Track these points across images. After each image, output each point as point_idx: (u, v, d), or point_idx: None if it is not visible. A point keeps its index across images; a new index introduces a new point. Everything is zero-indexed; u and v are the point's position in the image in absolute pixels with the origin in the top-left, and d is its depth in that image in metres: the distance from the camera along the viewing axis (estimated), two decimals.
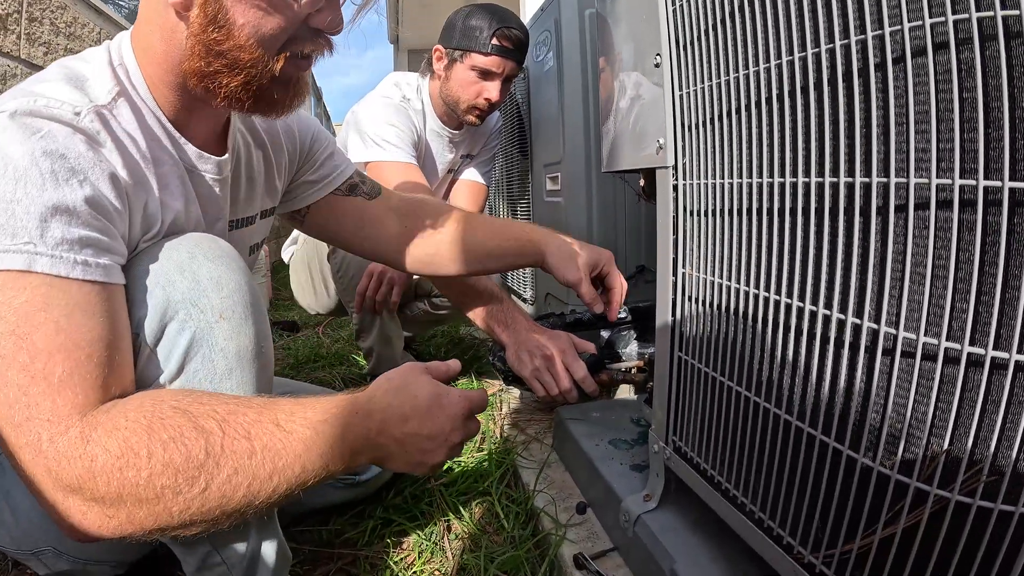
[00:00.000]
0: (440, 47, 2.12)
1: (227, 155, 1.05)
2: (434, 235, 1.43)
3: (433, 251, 1.43)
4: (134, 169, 0.86)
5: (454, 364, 1.02)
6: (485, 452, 1.66)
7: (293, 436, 0.79)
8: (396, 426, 0.88)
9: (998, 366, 0.56)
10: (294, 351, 2.82)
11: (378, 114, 2.07)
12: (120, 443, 0.71)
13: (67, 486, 0.70)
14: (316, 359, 2.70)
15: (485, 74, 2.05)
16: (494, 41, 2.00)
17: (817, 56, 0.69)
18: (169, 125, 0.94)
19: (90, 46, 2.36)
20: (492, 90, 2.06)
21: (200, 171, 1.00)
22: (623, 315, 1.72)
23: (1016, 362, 0.54)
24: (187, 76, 0.89)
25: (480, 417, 1.81)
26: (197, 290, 0.85)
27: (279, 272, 4.91)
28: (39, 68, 2.05)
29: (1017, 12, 0.52)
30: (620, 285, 1.46)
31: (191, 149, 0.98)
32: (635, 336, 1.71)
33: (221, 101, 0.91)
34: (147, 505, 0.72)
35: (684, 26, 0.94)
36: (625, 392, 1.79)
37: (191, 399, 0.78)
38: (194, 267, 0.86)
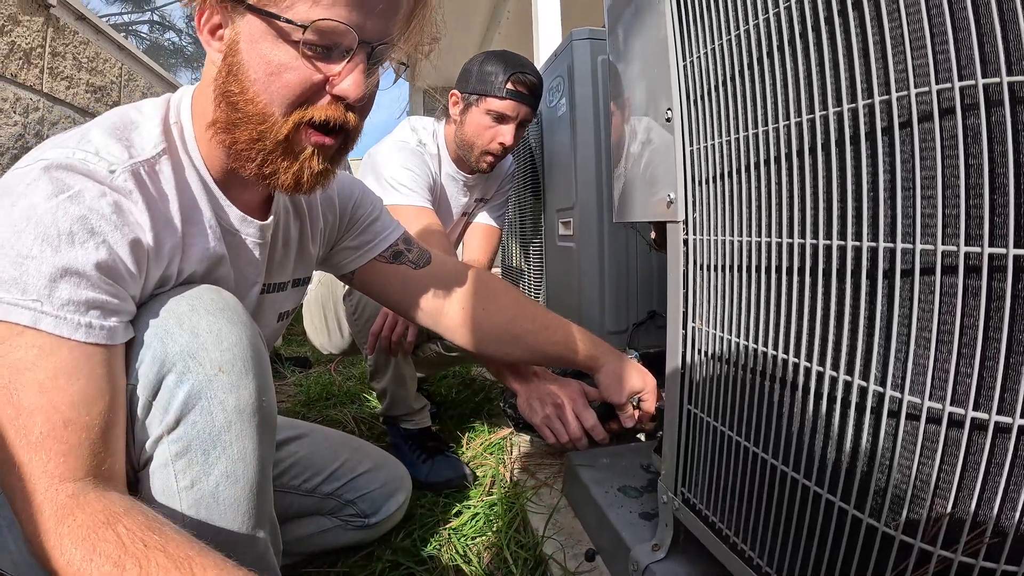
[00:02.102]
0: (456, 92, 2.16)
1: (271, 219, 1.07)
2: (480, 319, 1.41)
3: (478, 337, 1.41)
4: (161, 230, 0.87)
5: None
6: (495, 496, 1.66)
7: None
8: None
9: (1001, 430, 0.57)
10: (306, 388, 2.83)
11: (394, 158, 2.10)
12: (85, 552, 0.70)
13: (44, 530, 0.71)
14: (328, 397, 2.71)
15: (500, 118, 2.08)
16: (509, 86, 2.03)
17: (825, 118, 0.71)
18: (213, 185, 0.96)
19: (112, 81, 2.43)
20: (506, 134, 2.09)
21: (242, 234, 1.02)
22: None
23: (1019, 426, 0.55)
24: (216, 130, 0.91)
25: (490, 460, 1.82)
26: (196, 343, 0.85)
27: None
28: (61, 102, 2.10)
29: (1023, 78, 0.53)
30: (649, 411, 1.47)
31: (234, 212, 1.00)
32: None
33: (236, 160, 0.92)
34: None
35: (695, 81, 0.96)
36: (636, 436, 1.79)
37: (160, 538, 0.74)
38: (194, 320, 0.86)
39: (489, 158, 2.14)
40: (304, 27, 0.83)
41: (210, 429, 0.85)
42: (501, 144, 2.10)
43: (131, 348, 0.84)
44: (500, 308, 1.41)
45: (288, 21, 0.83)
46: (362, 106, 0.93)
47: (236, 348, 0.87)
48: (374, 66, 0.91)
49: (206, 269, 0.97)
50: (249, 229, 1.03)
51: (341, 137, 0.94)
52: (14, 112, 1.86)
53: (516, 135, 2.12)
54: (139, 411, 0.84)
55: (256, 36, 0.85)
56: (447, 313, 1.40)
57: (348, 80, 0.87)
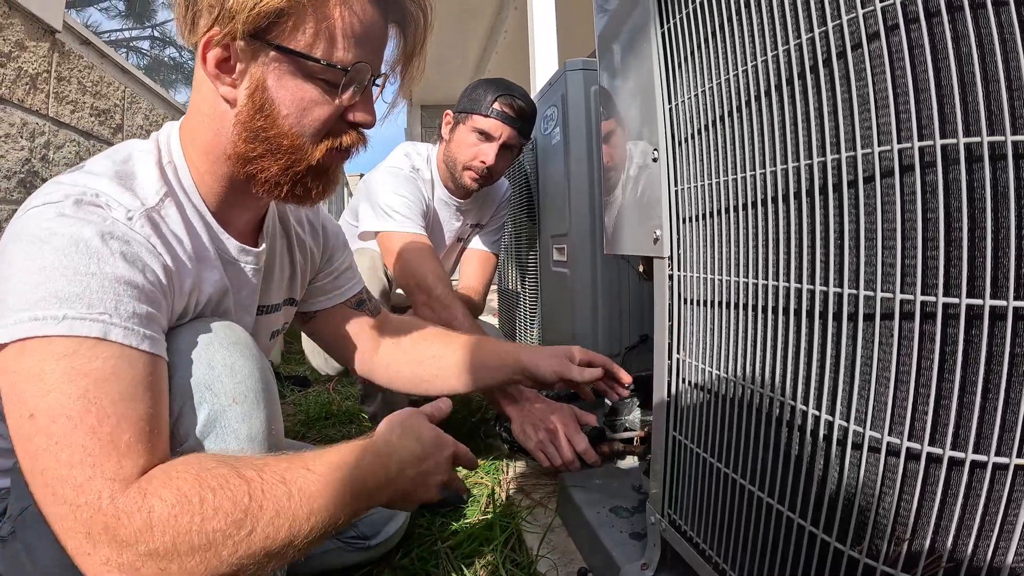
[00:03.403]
0: (449, 112, 2.22)
1: (263, 246, 1.12)
2: (425, 362, 1.51)
3: (415, 381, 1.52)
4: (179, 267, 0.92)
5: (444, 404, 1.11)
6: (491, 515, 1.69)
7: (323, 478, 0.85)
8: (412, 466, 0.97)
9: (955, 463, 0.61)
10: (304, 407, 2.85)
11: (388, 184, 2.14)
12: (174, 492, 0.75)
13: (123, 541, 0.72)
14: (327, 416, 2.73)
15: (484, 136, 2.11)
16: (495, 105, 2.08)
17: (797, 169, 0.75)
18: (212, 220, 1.01)
19: (115, 104, 2.47)
20: (488, 152, 2.11)
21: (241, 263, 1.07)
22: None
23: (972, 460, 0.60)
24: (233, 162, 0.96)
25: (486, 481, 1.86)
26: (211, 375, 0.90)
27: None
28: (66, 126, 2.12)
29: (979, 139, 0.58)
30: (602, 358, 1.53)
31: (233, 244, 1.05)
32: (638, 404, 1.76)
33: (262, 186, 0.98)
34: (199, 553, 0.75)
35: (679, 124, 1.01)
36: (628, 458, 1.83)
37: (228, 455, 0.84)
38: (209, 353, 0.91)
39: (471, 173, 2.17)
40: (346, 70, 0.92)
41: None
42: (483, 162, 2.13)
43: None
44: (435, 354, 1.51)
45: (329, 65, 0.91)
46: None
47: (249, 380, 0.92)
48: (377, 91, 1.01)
49: (216, 301, 1.02)
50: (247, 258, 1.08)
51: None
52: (21, 137, 1.89)
53: (500, 156, 2.15)
54: None
55: (284, 74, 0.92)
56: (386, 361, 1.51)
57: (366, 112, 0.99)
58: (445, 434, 1.04)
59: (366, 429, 2.53)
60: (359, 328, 1.48)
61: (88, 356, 0.75)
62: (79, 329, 0.75)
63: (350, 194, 14.16)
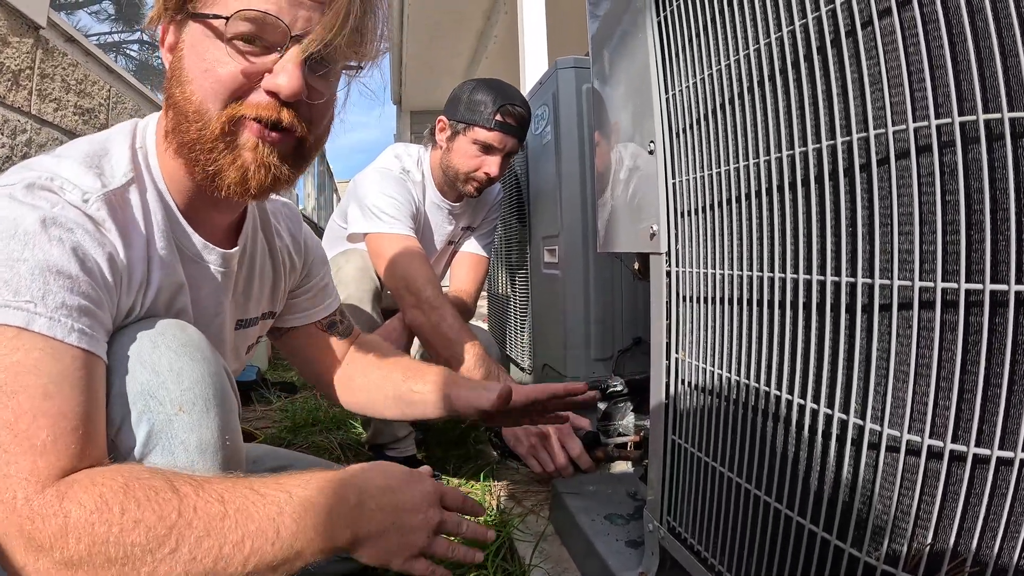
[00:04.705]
0: (444, 118, 2.16)
1: (236, 249, 1.07)
2: (368, 384, 1.45)
3: (374, 400, 1.45)
4: (131, 256, 0.88)
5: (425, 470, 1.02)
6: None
7: (267, 499, 0.79)
8: (377, 495, 0.88)
9: (980, 461, 0.58)
10: (291, 413, 2.80)
11: (377, 186, 2.11)
12: (95, 498, 0.70)
13: (39, 546, 0.68)
14: (314, 423, 2.69)
15: (486, 148, 2.08)
16: (498, 117, 2.04)
17: (804, 155, 0.72)
18: (177, 212, 0.97)
19: (100, 103, 2.43)
20: (492, 165, 2.09)
21: (204, 262, 1.02)
22: (618, 387, 1.74)
23: (998, 457, 0.56)
24: (170, 143, 0.92)
25: (476, 488, 1.82)
26: (156, 382, 0.84)
27: None
28: (49, 124, 2.09)
29: (999, 115, 0.55)
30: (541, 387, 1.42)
31: (196, 239, 1.00)
32: (632, 408, 1.73)
33: (188, 170, 0.93)
34: (115, 566, 0.70)
35: (677, 115, 0.97)
36: (622, 463, 1.80)
37: (171, 470, 0.79)
38: (155, 358, 0.85)
39: (475, 183, 2.15)
40: (227, 18, 0.84)
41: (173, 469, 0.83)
42: (486, 174, 2.11)
43: None
44: (397, 380, 1.43)
45: (215, 16, 0.85)
46: (311, 111, 0.93)
47: (197, 387, 0.87)
48: (318, 66, 0.91)
49: (168, 299, 0.97)
50: (212, 257, 1.03)
51: (289, 138, 0.92)
52: (2, 134, 1.86)
53: (502, 166, 2.13)
54: None
55: (196, 40, 0.88)
56: (346, 384, 1.45)
57: (282, 76, 0.87)
58: (426, 475, 0.96)
59: (354, 435, 2.50)
60: (326, 349, 1.43)
61: (9, 347, 0.71)
62: (3, 316, 0.71)
63: (339, 197, 14.16)
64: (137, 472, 0.75)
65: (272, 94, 0.88)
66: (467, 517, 1.00)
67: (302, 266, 1.34)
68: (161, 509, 0.72)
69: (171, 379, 0.85)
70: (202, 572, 0.73)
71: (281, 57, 0.87)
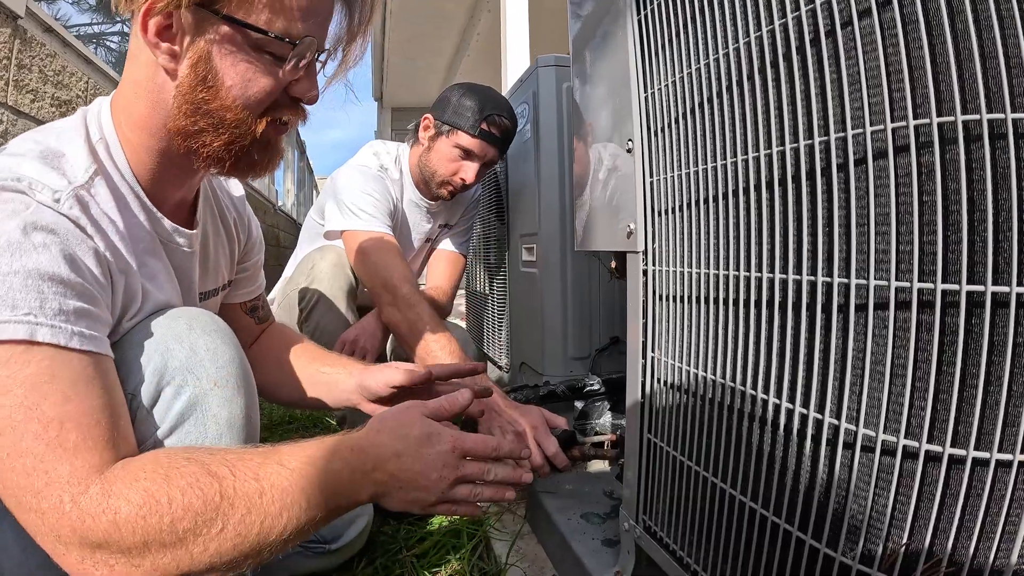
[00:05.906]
0: (430, 116, 2.15)
1: (196, 230, 1.09)
2: (280, 367, 1.44)
3: (275, 381, 1.44)
4: (114, 250, 0.88)
5: (462, 396, 1.04)
6: (458, 522, 1.65)
7: (296, 473, 0.84)
8: (390, 462, 0.92)
9: (955, 461, 0.57)
10: (268, 411, 2.79)
11: (355, 182, 2.10)
12: (141, 493, 0.75)
13: (93, 543, 0.73)
14: (290, 421, 2.68)
15: (467, 154, 2.08)
16: (483, 126, 2.03)
17: (782, 153, 0.72)
18: (146, 198, 0.97)
19: (77, 95, 2.40)
20: (469, 171, 2.09)
21: (175, 244, 1.04)
22: (595, 386, 1.73)
23: (973, 458, 0.56)
24: (172, 136, 0.92)
25: None
26: (194, 359, 0.90)
27: None
28: (25, 115, 2.06)
29: (977, 117, 0.54)
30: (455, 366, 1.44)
31: (167, 223, 1.01)
32: (608, 407, 1.72)
33: (203, 161, 0.94)
34: (170, 550, 0.76)
35: (656, 113, 0.97)
36: (599, 462, 1.79)
37: (200, 451, 0.83)
38: (192, 338, 0.91)
39: (449, 187, 2.15)
40: (294, 43, 0.89)
41: (202, 441, 0.90)
42: (462, 180, 2.11)
43: (132, 360, 0.88)
44: (304, 362, 1.44)
45: (278, 37, 0.87)
46: None
47: (230, 366, 0.93)
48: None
49: (161, 282, 0.99)
50: (180, 240, 1.05)
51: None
52: None
53: (479, 174, 2.13)
54: (138, 419, 0.87)
55: (229, 45, 0.88)
56: (261, 367, 1.41)
57: (314, 90, 0.97)
58: (444, 429, 0.97)
59: (331, 432, 2.48)
60: (243, 331, 1.40)
61: (20, 362, 0.73)
62: (7, 332, 0.72)
63: (318, 193, 14.13)
64: (174, 460, 0.80)
65: (295, 99, 0.97)
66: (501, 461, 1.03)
67: (246, 240, 1.36)
68: (204, 494, 0.77)
69: (208, 358, 0.92)
70: (248, 545, 0.80)
71: (309, 69, 0.96)
